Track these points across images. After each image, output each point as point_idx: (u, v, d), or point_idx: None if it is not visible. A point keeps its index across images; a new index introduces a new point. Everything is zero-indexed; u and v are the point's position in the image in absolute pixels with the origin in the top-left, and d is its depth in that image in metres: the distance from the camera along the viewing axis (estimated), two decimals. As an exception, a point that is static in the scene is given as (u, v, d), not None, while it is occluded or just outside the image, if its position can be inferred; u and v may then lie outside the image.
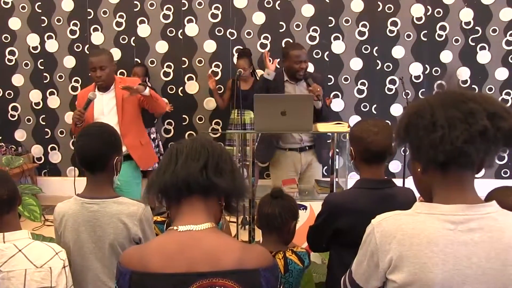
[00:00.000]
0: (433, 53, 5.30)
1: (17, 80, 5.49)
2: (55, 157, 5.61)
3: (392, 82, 5.35)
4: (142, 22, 5.37)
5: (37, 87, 5.50)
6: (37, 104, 5.52)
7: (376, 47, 5.31)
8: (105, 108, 3.31)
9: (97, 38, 5.41)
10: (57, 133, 5.56)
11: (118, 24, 5.38)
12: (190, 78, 5.40)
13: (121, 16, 5.37)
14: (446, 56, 5.29)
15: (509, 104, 5.24)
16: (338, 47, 5.33)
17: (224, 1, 5.31)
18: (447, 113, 1.06)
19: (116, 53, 5.27)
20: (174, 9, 5.34)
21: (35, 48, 5.45)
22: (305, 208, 3.13)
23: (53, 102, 5.52)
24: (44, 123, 5.55)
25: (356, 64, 5.34)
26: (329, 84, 5.34)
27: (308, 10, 5.29)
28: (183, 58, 5.41)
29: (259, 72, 5.34)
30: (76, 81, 5.47)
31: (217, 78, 5.26)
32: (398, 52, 5.32)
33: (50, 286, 1.56)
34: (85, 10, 5.36)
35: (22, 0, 5.37)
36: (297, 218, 2.04)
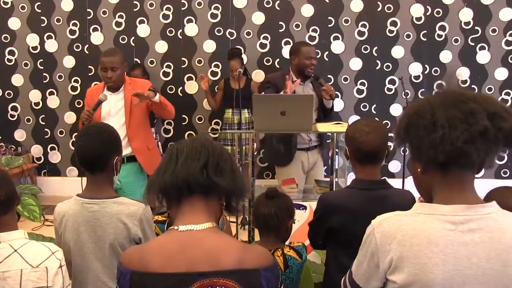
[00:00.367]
0: (432, 53, 5.30)
1: (17, 80, 5.48)
2: (55, 157, 5.61)
3: (392, 82, 5.35)
4: (141, 22, 5.37)
5: (37, 87, 5.49)
6: (37, 104, 5.52)
7: (376, 47, 5.32)
8: (113, 109, 3.28)
9: (96, 38, 5.41)
10: (57, 133, 5.55)
11: (118, 24, 5.38)
12: (189, 78, 5.40)
13: (120, 16, 5.37)
14: (445, 56, 5.30)
15: (509, 104, 5.24)
16: (337, 47, 5.34)
17: (224, 1, 5.31)
18: (448, 113, 1.06)
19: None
20: (174, 9, 5.33)
21: (34, 48, 5.45)
22: (305, 208, 3.13)
23: (53, 102, 5.51)
24: (43, 123, 5.54)
25: (355, 64, 5.34)
26: (328, 84, 5.34)
27: (307, 10, 5.29)
28: (182, 58, 5.41)
29: (259, 72, 5.35)
30: (76, 81, 5.47)
31: (216, 78, 5.26)
32: (397, 52, 5.32)
33: (46, 286, 1.56)
34: (84, 10, 5.36)
35: (21, 0, 5.37)
36: (293, 217, 2.05)
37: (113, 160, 1.85)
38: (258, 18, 5.32)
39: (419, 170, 1.16)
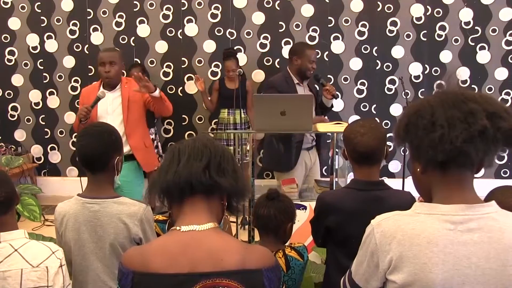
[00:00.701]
0: (432, 53, 5.30)
1: (17, 80, 5.48)
2: (55, 157, 5.61)
3: (392, 82, 5.35)
4: (141, 22, 5.37)
5: (37, 87, 5.49)
6: (37, 104, 5.52)
7: (376, 47, 5.32)
8: (110, 107, 3.27)
9: (96, 38, 5.41)
10: (57, 133, 5.55)
11: (118, 24, 5.38)
12: (189, 78, 5.40)
13: (120, 16, 5.37)
14: (445, 56, 5.30)
15: (508, 104, 5.24)
16: (337, 47, 5.34)
17: (224, 1, 5.31)
18: (447, 113, 1.06)
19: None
20: (174, 9, 5.33)
21: (34, 48, 5.45)
22: (305, 208, 3.13)
23: (53, 102, 5.51)
24: (43, 123, 5.54)
25: (355, 64, 5.34)
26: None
27: (307, 10, 5.29)
28: (182, 58, 5.41)
29: (259, 72, 5.36)
30: (76, 81, 5.47)
31: (217, 78, 5.26)
32: (397, 52, 5.32)
33: (46, 285, 1.56)
34: (84, 10, 5.36)
35: (21, 0, 5.37)
36: (294, 219, 2.04)
37: (114, 160, 1.85)
38: (258, 18, 5.32)
39: (418, 169, 1.16)
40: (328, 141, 3.97)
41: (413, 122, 1.11)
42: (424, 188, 1.17)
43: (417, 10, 5.26)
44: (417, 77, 5.34)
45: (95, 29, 5.40)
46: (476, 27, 5.24)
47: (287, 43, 5.33)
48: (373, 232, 1.15)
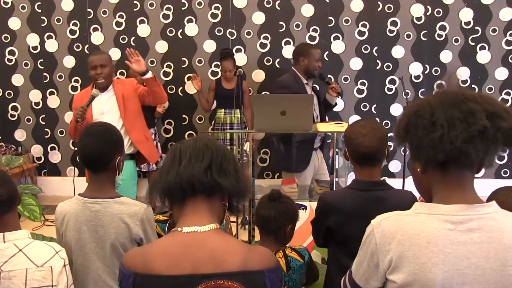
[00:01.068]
0: (433, 53, 5.30)
1: (17, 80, 5.48)
2: (55, 157, 5.61)
3: (392, 82, 5.35)
4: (142, 22, 5.37)
5: (37, 87, 5.50)
6: (37, 104, 5.52)
7: (376, 47, 5.32)
8: (105, 107, 3.29)
9: (97, 38, 5.41)
10: (57, 133, 5.56)
11: (118, 24, 5.38)
12: (190, 78, 5.38)
13: (121, 16, 5.37)
14: (446, 56, 5.30)
15: (509, 104, 5.24)
16: (338, 47, 5.34)
17: (224, 1, 5.31)
18: (447, 113, 1.06)
19: (116, 53, 5.27)
20: (174, 9, 5.34)
21: (35, 48, 5.45)
22: (305, 208, 3.13)
23: (53, 102, 5.52)
24: (44, 123, 5.55)
25: (356, 64, 5.34)
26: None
27: (308, 10, 5.29)
28: (183, 58, 5.41)
29: (259, 72, 5.36)
30: (76, 81, 5.47)
31: (217, 78, 5.26)
32: (398, 52, 5.32)
33: (51, 285, 1.56)
34: (85, 10, 5.36)
35: (22, 0, 5.37)
36: (295, 221, 2.03)
37: (116, 159, 1.85)
38: (259, 18, 5.32)
39: (418, 169, 1.16)
40: (328, 141, 3.98)
41: (413, 122, 1.11)
42: (424, 188, 1.17)
43: (417, 10, 5.26)
44: (417, 77, 5.34)
45: (95, 29, 5.40)
46: (476, 27, 5.24)
47: (287, 43, 5.33)
48: (373, 232, 1.15)
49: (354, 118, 5.31)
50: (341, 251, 1.86)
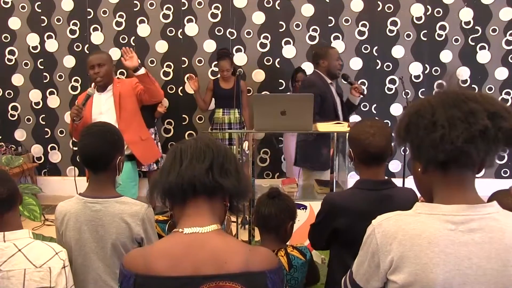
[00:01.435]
0: (433, 53, 5.30)
1: (17, 79, 5.48)
2: (55, 156, 5.61)
3: (392, 81, 5.35)
4: (142, 21, 5.37)
5: (37, 86, 5.50)
6: (37, 103, 5.52)
7: (376, 47, 5.32)
8: (103, 107, 3.27)
9: (97, 37, 5.41)
10: (57, 133, 5.55)
11: (118, 24, 5.38)
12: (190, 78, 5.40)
13: (121, 16, 5.37)
14: (446, 56, 5.30)
15: (509, 103, 5.24)
16: (338, 46, 5.31)
17: (224, 1, 5.31)
18: (448, 113, 1.06)
19: (116, 53, 5.26)
20: (174, 9, 5.34)
21: (35, 47, 5.45)
22: (305, 207, 3.13)
23: (53, 101, 5.52)
24: (44, 123, 5.55)
25: (356, 63, 5.34)
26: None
27: (308, 10, 5.29)
28: (183, 58, 5.41)
29: (259, 72, 5.36)
30: (76, 80, 5.47)
31: (214, 78, 5.26)
32: (398, 51, 5.32)
33: (49, 286, 1.56)
34: (85, 9, 5.36)
35: (22, 0, 5.37)
36: (295, 218, 2.03)
37: (116, 159, 1.85)
38: (258, 17, 5.32)
39: (419, 169, 1.16)
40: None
41: (413, 122, 1.11)
42: (425, 188, 1.17)
43: (417, 10, 5.26)
44: (417, 76, 5.34)
45: (95, 29, 5.40)
46: (476, 27, 5.24)
47: (287, 43, 5.33)
48: (374, 232, 1.15)
49: (354, 118, 5.31)
50: (347, 252, 1.84)
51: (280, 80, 5.40)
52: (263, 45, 5.35)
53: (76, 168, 5.55)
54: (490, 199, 1.62)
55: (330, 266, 2.03)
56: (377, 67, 5.33)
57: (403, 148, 4.61)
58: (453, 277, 1.05)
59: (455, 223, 1.07)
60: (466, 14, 5.24)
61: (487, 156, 1.06)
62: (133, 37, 5.37)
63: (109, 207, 1.80)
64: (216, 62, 5.28)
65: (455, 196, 1.09)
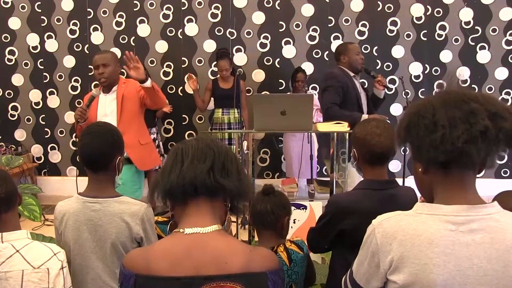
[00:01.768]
0: (433, 53, 5.30)
1: (17, 79, 5.48)
2: (55, 156, 5.61)
3: (392, 81, 5.35)
4: (142, 21, 5.37)
5: (37, 86, 5.49)
6: (37, 103, 5.52)
7: (376, 47, 5.32)
8: (108, 109, 3.22)
9: (97, 38, 5.41)
10: (57, 133, 5.55)
11: (118, 24, 5.38)
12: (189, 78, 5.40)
13: (121, 16, 5.37)
14: (446, 56, 5.30)
15: (509, 103, 5.24)
16: (338, 46, 5.33)
17: (224, 1, 5.31)
18: (448, 113, 1.05)
19: (116, 53, 5.25)
20: (174, 9, 5.33)
21: (35, 47, 5.45)
22: (305, 207, 3.13)
23: (53, 101, 5.51)
24: (44, 123, 5.54)
25: (356, 63, 5.33)
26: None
27: (307, 10, 5.29)
28: (183, 58, 5.41)
29: (259, 72, 5.35)
30: (76, 80, 5.47)
31: (213, 78, 5.26)
32: (398, 51, 5.32)
33: (47, 287, 1.55)
34: (84, 9, 5.36)
35: (22, 0, 5.37)
36: (290, 213, 2.05)
37: (116, 159, 1.85)
38: (258, 17, 5.32)
39: (420, 170, 1.16)
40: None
41: (414, 122, 1.11)
42: (426, 188, 1.17)
43: (417, 10, 5.26)
44: (417, 76, 5.34)
45: (95, 29, 5.40)
46: (476, 27, 5.24)
47: (287, 42, 5.33)
48: (374, 232, 1.15)
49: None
50: (352, 253, 1.83)
51: (280, 80, 5.40)
52: (263, 45, 5.35)
53: (77, 168, 5.56)
54: (495, 200, 1.62)
55: (332, 266, 2.02)
56: (377, 67, 5.32)
57: (403, 148, 4.61)
58: (453, 277, 1.05)
59: (456, 223, 1.06)
60: (466, 14, 5.24)
61: (488, 157, 1.06)
62: (133, 37, 5.37)
63: (109, 207, 1.80)
64: (215, 62, 5.30)
65: (456, 197, 1.09)
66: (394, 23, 5.28)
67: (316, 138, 4.92)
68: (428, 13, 5.26)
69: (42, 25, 5.40)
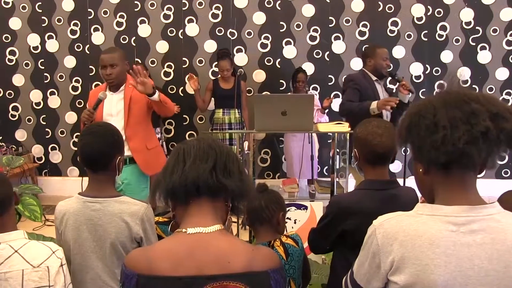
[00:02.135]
0: (433, 53, 5.30)
1: (18, 80, 5.49)
2: (56, 157, 5.61)
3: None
4: (142, 22, 5.37)
5: (38, 87, 5.50)
6: (38, 104, 5.52)
7: (377, 47, 5.31)
8: (114, 109, 3.16)
9: (97, 38, 5.41)
10: (58, 133, 5.56)
11: (119, 24, 5.38)
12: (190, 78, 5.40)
13: (121, 16, 5.37)
14: (446, 56, 5.30)
15: (510, 104, 5.24)
16: (338, 47, 5.33)
17: (225, 1, 5.31)
18: (449, 114, 1.05)
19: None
20: (175, 9, 5.34)
21: (35, 48, 5.45)
22: (305, 208, 3.13)
23: (54, 102, 5.52)
24: (44, 123, 5.55)
25: (356, 64, 5.33)
26: (329, 84, 5.35)
27: (308, 10, 5.29)
28: (183, 58, 5.41)
29: (259, 72, 5.36)
30: (77, 81, 5.47)
31: (214, 78, 5.26)
32: (398, 52, 5.32)
33: (48, 285, 1.55)
34: (85, 10, 5.36)
35: (22, 0, 5.37)
36: (285, 209, 2.06)
37: (116, 159, 1.86)
38: (259, 18, 5.32)
39: (421, 170, 1.16)
40: (329, 141, 3.98)
41: (415, 123, 1.11)
42: (427, 188, 1.17)
43: (418, 10, 5.26)
44: (418, 77, 5.34)
45: (96, 29, 5.40)
46: (477, 27, 5.24)
47: (288, 43, 5.33)
48: (375, 232, 1.15)
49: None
50: (354, 253, 1.82)
51: (280, 81, 5.40)
52: (263, 46, 5.35)
53: (77, 168, 5.56)
54: (500, 199, 1.62)
55: (333, 266, 2.02)
56: (378, 68, 5.32)
57: (403, 148, 4.61)
58: (454, 278, 1.05)
59: (457, 224, 1.06)
60: (467, 15, 5.23)
61: (489, 157, 1.05)
62: (134, 38, 5.38)
63: (109, 207, 1.80)
64: (216, 63, 5.30)
65: (457, 197, 1.09)
66: (394, 24, 5.28)
67: (317, 139, 4.92)
68: (428, 14, 5.26)
69: (43, 25, 5.41)
